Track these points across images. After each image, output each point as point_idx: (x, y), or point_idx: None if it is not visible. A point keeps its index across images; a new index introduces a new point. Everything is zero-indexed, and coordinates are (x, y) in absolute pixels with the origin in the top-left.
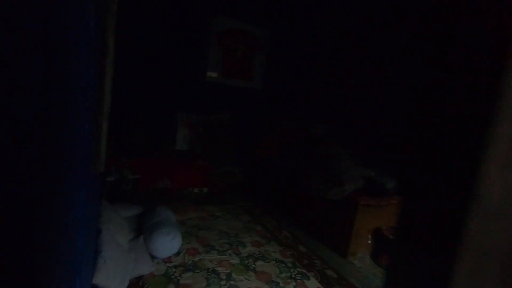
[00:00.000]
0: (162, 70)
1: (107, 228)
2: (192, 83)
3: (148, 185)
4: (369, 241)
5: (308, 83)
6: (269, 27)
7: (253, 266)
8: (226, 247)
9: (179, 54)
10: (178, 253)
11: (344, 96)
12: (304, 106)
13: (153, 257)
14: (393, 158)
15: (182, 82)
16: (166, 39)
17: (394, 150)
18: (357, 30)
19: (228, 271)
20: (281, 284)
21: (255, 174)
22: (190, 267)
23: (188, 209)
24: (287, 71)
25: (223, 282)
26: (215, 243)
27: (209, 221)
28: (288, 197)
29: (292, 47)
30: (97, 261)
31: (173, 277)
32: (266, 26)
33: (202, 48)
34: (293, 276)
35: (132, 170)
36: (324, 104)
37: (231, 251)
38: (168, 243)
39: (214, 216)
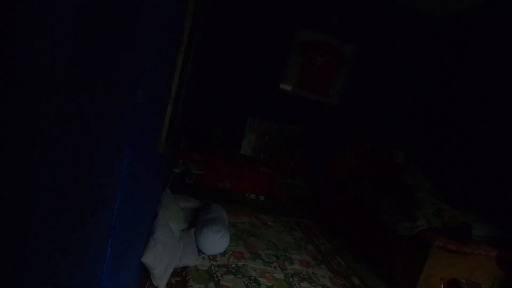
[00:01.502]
0: (240, 75)
1: (164, 213)
2: (265, 91)
3: (210, 183)
4: None
5: (391, 105)
6: (356, 42)
7: (298, 286)
8: (272, 259)
9: (258, 61)
10: (224, 254)
11: (432, 121)
12: (384, 128)
13: (200, 252)
14: (489, 199)
15: (257, 88)
16: (248, 45)
17: (490, 190)
18: (454, 51)
19: (270, 284)
20: None
21: (321, 191)
22: (233, 270)
23: (242, 213)
24: (368, 90)
25: None
26: (262, 253)
27: (260, 229)
28: (351, 222)
29: (377, 65)
30: (148, 242)
31: (214, 275)
32: (352, 41)
33: (281, 58)
34: None
35: (197, 165)
36: (407, 129)
37: (277, 265)
38: (216, 241)
39: (266, 225)
